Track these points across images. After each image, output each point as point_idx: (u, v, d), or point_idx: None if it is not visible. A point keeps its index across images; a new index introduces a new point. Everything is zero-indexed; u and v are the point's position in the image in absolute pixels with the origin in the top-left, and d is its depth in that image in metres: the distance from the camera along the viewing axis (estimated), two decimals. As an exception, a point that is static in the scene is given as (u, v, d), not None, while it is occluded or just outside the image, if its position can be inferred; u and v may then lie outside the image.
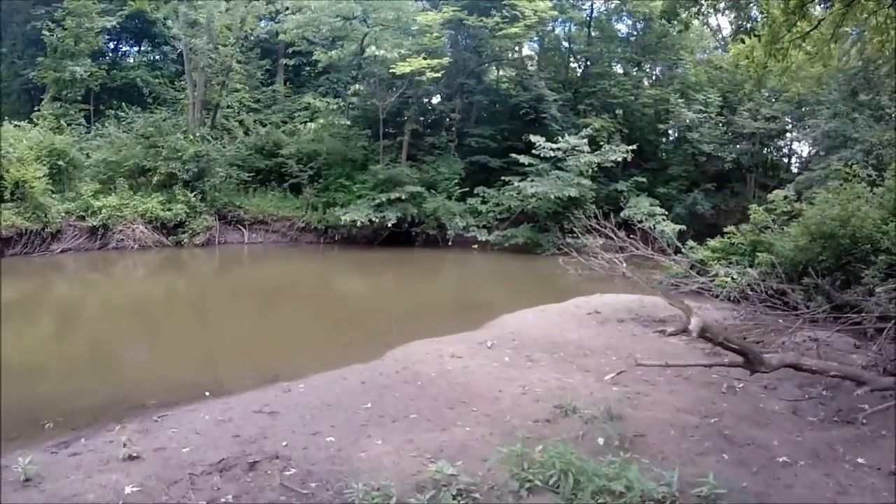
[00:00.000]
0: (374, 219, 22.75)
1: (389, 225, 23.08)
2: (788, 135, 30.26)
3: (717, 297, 14.89)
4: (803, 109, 26.81)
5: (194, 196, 22.59)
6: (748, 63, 13.71)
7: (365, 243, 23.85)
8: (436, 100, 30.92)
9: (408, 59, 23.04)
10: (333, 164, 25.56)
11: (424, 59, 23.25)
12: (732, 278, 14.83)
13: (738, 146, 29.07)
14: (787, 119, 27.50)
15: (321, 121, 27.12)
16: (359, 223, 22.39)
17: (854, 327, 11.14)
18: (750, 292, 14.01)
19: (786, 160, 33.44)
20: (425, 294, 17.04)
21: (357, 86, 27.65)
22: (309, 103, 27.67)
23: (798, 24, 12.43)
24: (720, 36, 35.79)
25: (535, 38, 30.44)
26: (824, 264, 13.77)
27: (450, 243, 23.75)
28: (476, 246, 24.03)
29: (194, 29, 24.73)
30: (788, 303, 13.61)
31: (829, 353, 9.83)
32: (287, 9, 25.78)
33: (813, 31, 12.69)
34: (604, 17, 32.34)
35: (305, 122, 27.99)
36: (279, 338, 11.85)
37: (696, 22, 33.10)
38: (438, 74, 23.50)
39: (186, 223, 22.31)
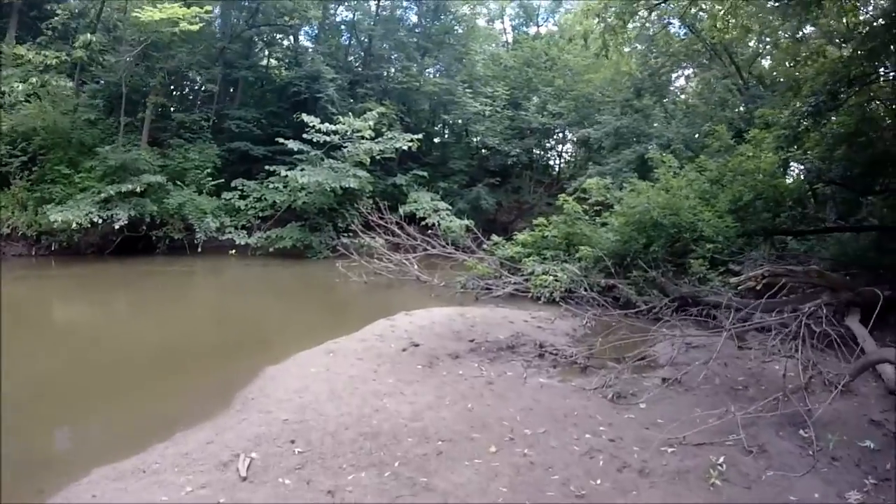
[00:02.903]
0: (97, 219, 16.55)
1: (119, 227, 16.96)
2: (568, 133, 30.22)
3: (537, 299, 12.59)
4: (589, 107, 26.88)
5: None
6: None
7: (93, 254, 17.38)
8: (193, 73, 24.72)
9: (159, 6, 17.22)
10: (54, 147, 17.86)
11: (181, 6, 17.63)
12: (555, 277, 12.56)
13: (522, 140, 28.15)
14: (574, 115, 27.11)
15: (34, 79, 18.49)
16: (75, 225, 15.96)
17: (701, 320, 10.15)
18: (583, 292, 11.99)
19: (556, 160, 33.78)
20: (146, 339, 10.17)
21: (89, 35, 19.24)
22: (21, 57, 18.68)
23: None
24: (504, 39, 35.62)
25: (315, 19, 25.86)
26: (653, 255, 12.22)
27: (199, 249, 18.44)
28: (234, 251, 19.10)
29: None
30: (619, 299, 11.89)
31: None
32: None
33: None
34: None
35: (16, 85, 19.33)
36: None
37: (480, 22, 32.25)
38: (195, 28, 17.91)
39: None
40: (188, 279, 16.01)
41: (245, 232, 19.54)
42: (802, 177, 12.49)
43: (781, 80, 18.54)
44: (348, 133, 19.91)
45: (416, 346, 8.72)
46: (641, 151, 20.79)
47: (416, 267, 15.48)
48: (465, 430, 5.90)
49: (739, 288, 9.28)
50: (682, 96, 27.89)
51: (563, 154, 33.51)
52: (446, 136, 31.37)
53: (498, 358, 8.49)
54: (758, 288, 8.63)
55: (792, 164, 14.20)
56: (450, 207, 23.13)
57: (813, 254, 12.77)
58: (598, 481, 5.10)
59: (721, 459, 5.43)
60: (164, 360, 8.75)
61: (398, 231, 17.42)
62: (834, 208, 13.07)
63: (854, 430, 5.95)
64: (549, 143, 32.24)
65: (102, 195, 16.91)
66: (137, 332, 10.73)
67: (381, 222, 17.82)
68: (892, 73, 11.43)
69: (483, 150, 29.48)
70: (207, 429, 6.00)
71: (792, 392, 6.56)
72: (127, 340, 9.99)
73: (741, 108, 21.25)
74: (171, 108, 22.49)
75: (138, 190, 17.33)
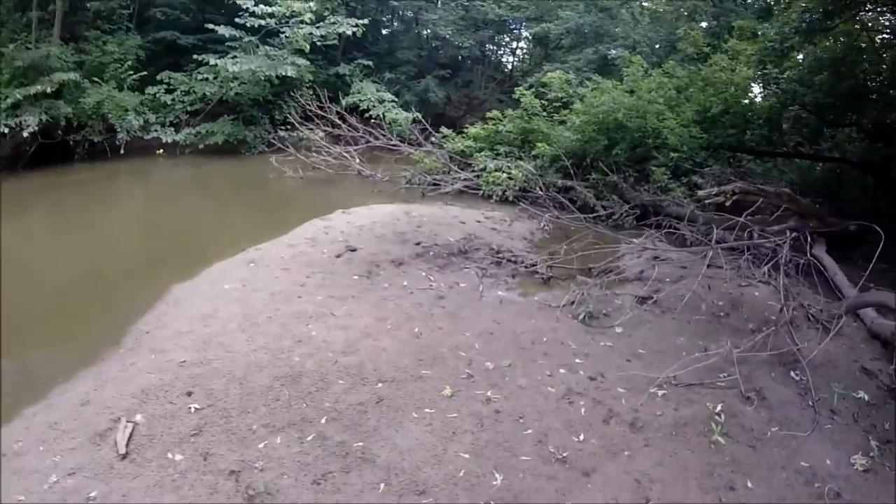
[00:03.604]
0: (3, 129, 13.55)
1: (30, 135, 13.97)
2: (525, 30, 27.53)
3: (488, 197, 11.11)
4: (549, 3, 24.25)
5: None
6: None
7: (5, 169, 14.42)
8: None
9: None
10: None
11: None
12: (508, 174, 11.05)
13: (476, 33, 25.45)
14: (533, 9, 24.41)
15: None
16: None
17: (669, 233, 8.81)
18: (538, 192, 10.56)
19: (510, 58, 31.19)
20: (47, 262, 7.87)
21: None
22: None
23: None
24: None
25: None
26: (615, 159, 10.85)
27: (122, 151, 15.70)
28: (162, 151, 16.45)
29: None
30: (576, 202, 10.59)
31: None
32: None
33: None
34: None
35: None
36: None
37: None
38: None
39: None
40: (107, 186, 13.35)
41: (173, 129, 16.83)
42: (776, 97, 11.13)
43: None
44: (286, 16, 17.07)
45: (353, 251, 7.12)
46: (604, 52, 18.91)
47: (357, 160, 13.60)
48: (412, 366, 4.50)
49: (707, 202, 8.15)
50: (647, 3, 25.58)
51: (518, 51, 30.98)
52: (395, 25, 28.24)
53: (448, 265, 7.02)
54: (727, 205, 7.51)
55: (758, 84, 12.88)
56: (395, 99, 20.75)
57: (771, 176, 11.79)
58: (582, 437, 3.85)
59: (719, 407, 4.25)
60: (64, 286, 6.78)
61: (339, 122, 15.30)
62: (797, 135, 11.93)
63: (847, 378, 4.90)
64: (503, 38, 29.58)
65: (9, 101, 13.85)
66: (39, 254, 8.38)
67: (321, 113, 15.62)
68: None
69: (433, 42, 26.68)
70: (86, 381, 4.37)
71: (778, 325, 5.50)
72: (24, 265, 7.55)
73: (713, 21, 19.32)
74: None
75: (49, 91, 14.29)
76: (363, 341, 4.79)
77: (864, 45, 10.31)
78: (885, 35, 10.43)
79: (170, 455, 3.55)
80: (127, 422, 3.80)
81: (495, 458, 3.58)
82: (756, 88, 12.91)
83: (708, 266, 7.33)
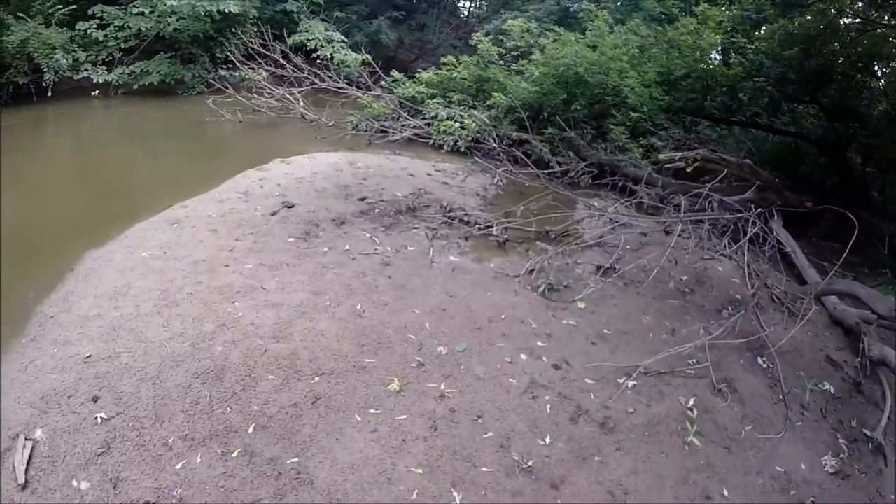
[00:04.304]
0: None
1: None
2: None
3: (439, 147, 10.27)
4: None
5: None
6: None
7: None
8: None
9: None
10: None
11: None
12: (461, 124, 10.23)
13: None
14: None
15: None
16: None
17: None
18: (492, 143, 9.79)
19: (466, 3, 29.46)
20: None
21: None
22: None
23: None
24: None
25: None
26: (573, 114, 10.17)
27: (49, 94, 13.73)
28: (97, 93, 14.55)
29: None
30: (530, 156, 9.95)
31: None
32: None
33: None
34: None
35: None
36: None
37: None
38: None
39: None
40: (27, 134, 11.34)
41: (105, 68, 14.87)
42: (741, 67, 10.61)
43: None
44: (227, -56, 15.17)
45: (290, 207, 6.22)
46: (566, 4, 17.84)
47: (301, 103, 12.38)
48: (354, 353, 3.77)
49: (668, 166, 7.67)
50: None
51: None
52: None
53: (396, 224, 6.22)
54: (688, 171, 7.07)
55: (717, 52, 12.33)
56: (345, 40, 19.21)
57: (727, 144, 11.38)
58: (548, 439, 3.27)
59: (692, 402, 3.77)
60: None
61: (283, 63, 13.88)
62: (755, 105, 11.53)
63: (812, 368, 4.57)
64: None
65: None
66: None
67: (264, 52, 14.12)
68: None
69: (388, -20, 24.84)
70: None
71: (741, 304, 5.13)
72: None
73: None
74: None
75: None
76: (297, 322, 4.01)
77: (838, 26, 9.88)
78: (854, 19, 9.99)
79: (74, 482, 2.83)
80: (26, 440, 3.03)
81: (452, 472, 2.97)
82: (714, 55, 12.42)
83: (666, 233, 6.95)
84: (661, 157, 7.57)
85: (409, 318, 4.27)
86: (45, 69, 13.89)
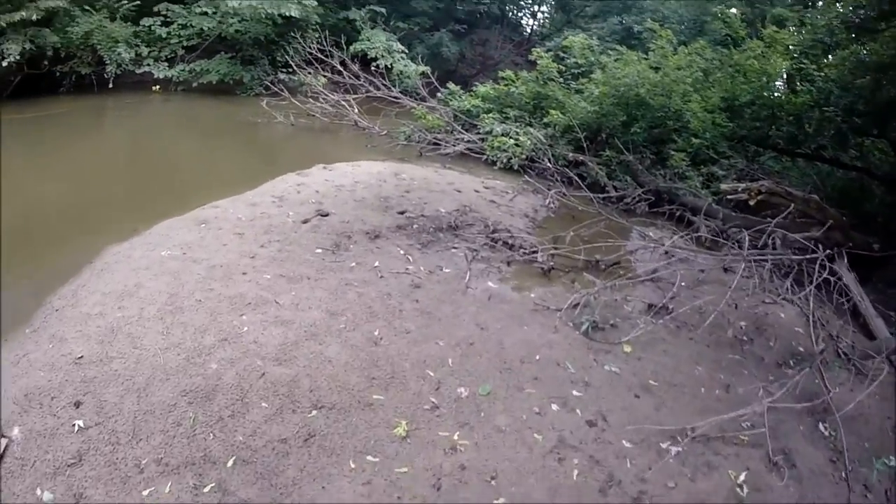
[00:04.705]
0: None
1: (10, 64, 12.42)
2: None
3: (492, 163, 9.86)
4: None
5: None
6: None
7: None
8: None
9: None
10: None
11: None
12: (516, 140, 9.80)
13: (499, -16, 23.55)
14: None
15: None
16: None
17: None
18: (546, 163, 9.31)
19: (529, 21, 29.13)
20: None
21: None
22: None
23: None
24: None
25: None
26: (632, 137, 9.61)
27: (111, 85, 14.16)
28: (157, 87, 14.93)
29: None
30: (585, 178, 9.41)
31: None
32: None
33: None
34: None
35: None
36: None
37: None
38: None
39: None
40: (84, 122, 11.66)
41: (166, 64, 15.27)
42: (810, 95, 9.82)
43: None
44: (294, -51, 15.35)
45: (324, 216, 5.92)
46: (630, 24, 17.23)
47: (355, 110, 12.24)
48: (362, 387, 3.37)
49: (730, 198, 7.02)
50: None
51: (539, 14, 28.91)
52: (411, -29, 26.24)
53: (434, 242, 5.81)
54: (751, 203, 6.42)
55: (782, 79, 11.54)
56: (406, 51, 19.18)
57: (790, 177, 10.54)
58: (570, 514, 2.79)
59: (742, 477, 3.19)
60: (9, 235, 5.34)
61: (340, 69, 13.82)
62: (821, 137, 10.66)
63: (878, 437, 3.92)
64: (524, 1, 27.54)
65: None
66: None
67: (322, 58, 14.12)
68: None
69: (450, -10, 24.78)
70: None
71: (804, 358, 4.52)
72: None
73: (746, 8, 17.56)
74: None
75: (35, 18, 12.71)
76: (304, 345, 3.65)
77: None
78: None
79: (38, 491, 2.61)
80: (1, 437, 2.85)
81: (452, 548, 2.52)
82: (779, 82, 11.63)
83: (725, 270, 6.30)
84: (724, 187, 6.94)
85: (430, 350, 3.84)
86: (108, 61, 14.27)
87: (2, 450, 2.81)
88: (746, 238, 6.19)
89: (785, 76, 11.15)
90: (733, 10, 15.51)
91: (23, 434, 2.89)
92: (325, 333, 3.80)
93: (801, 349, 4.82)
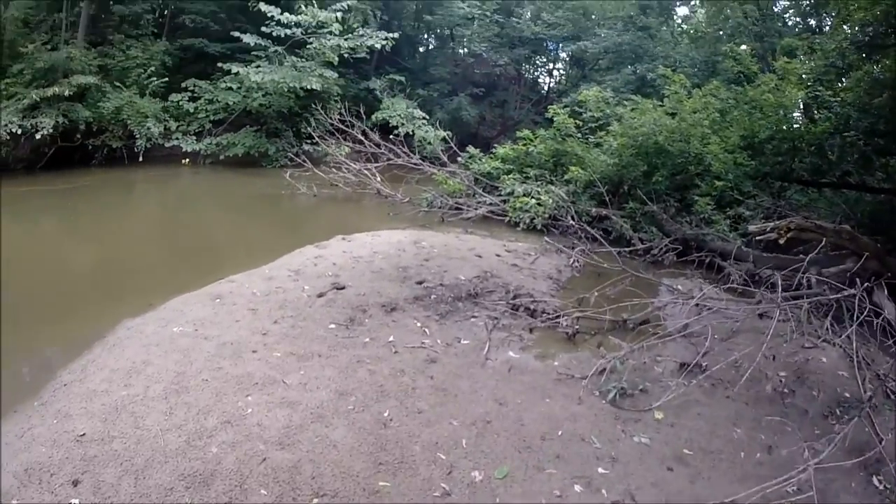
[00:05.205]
0: (16, 129, 12.82)
1: (43, 136, 13.18)
2: (562, 52, 26.18)
3: (515, 224, 9.80)
4: (587, 22, 22.99)
5: None
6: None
7: (23, 169, 13.67)
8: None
9: None
10: None
11: None
12: (538, 200, 9.75)
13: (512, 50, 24.18)
14: (570, 27, 23.07)
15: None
16: None
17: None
18: (570, 221, 9.19)
19: (546, 79, 29.81)
20: (24, 274, 6.62)
21: None
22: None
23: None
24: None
25: None
26: (654, 186, 9.48)
27: (140, 159, 14.86)
28: (186, 161, 15.62)
29: None
30: (610, 232, 9.26)
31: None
32: None
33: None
34: None
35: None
36: None
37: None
38: None
39: None
40: (112, 194, 12.23)
41: (194, 138, 16.01)
42: (828, 122, 9.63)
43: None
44: (312, 26, 16.16)
45: (340, 289, 5.85)
46: (643, 72, 17.44)
47: (378, 179, 12.43)
48: (367, 473, 3.16)
49: (759, 238, 6.77)
50: (687, 26, 23.99)
51: (555, 72, 29.58)
52: (429, 40, 27.17)
53: (452, 312, 5.65)
54: (781, 242, 6.17)
55: (798, 109, 11.41)
56: (426, 117, 19.65)
57: (818, 208, 10.21)
58: None
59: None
60: (20, 302, 5.62)
61: (362, 139, 14.18)
62: (845, 163, 10.38)
63: None
64: (539, 59, 28.29)
65: (26, 101, 13.21)
66: (13, 262, 7.00)
67: (344, 128, 14.55)
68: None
69: (469, 59, 25.56)
70: None
71: (851, 405, 4.24)
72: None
73: (756, 43, 17.68)
74: (110, 2, 18.09)
75: (67, 94, 13.60)
76: (310, 428, 3.49)
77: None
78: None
79: None
80: None
81: None
82: (796, 113, 11.47)
83: (760, 316, 5.97)
84: (751, 228, 6.72)
85: (443, 431, 3.63)
86: (138, 136, 15.02)
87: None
88: (779, 280, 5.91)
89: (801, 106, 11.01)
90: (743, 47, 15.59)
91: (17, 510, 2.82)
92: (332, 415, 3.63)
93: (848, 395, 4.54)
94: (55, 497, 2.94)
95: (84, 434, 3.39)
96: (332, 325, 5.01)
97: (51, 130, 13.07)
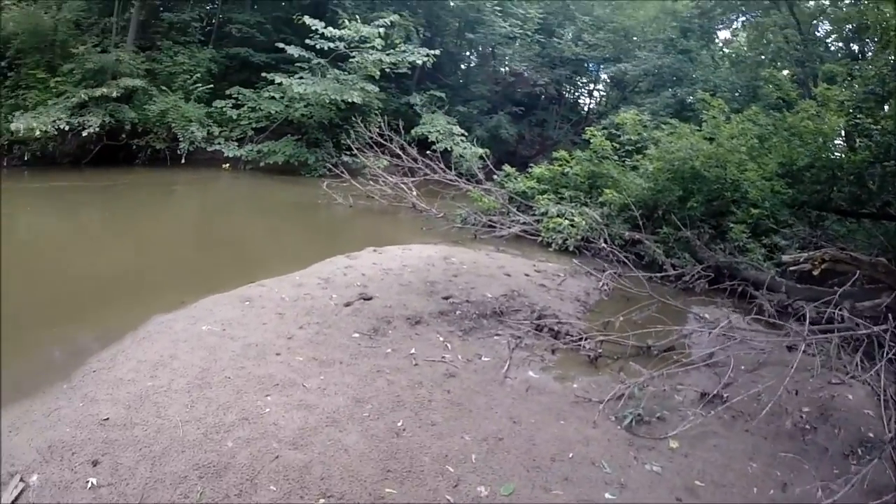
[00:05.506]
0: (64, 126, 13.43)
1: (89, 135, 13.84)
2: (602, 73, 26.10)
3: (547, 245, 9.81)
4: (628, 44, 22.97)
5: None
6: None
7: (69, 164, 14.40)
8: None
9: None
10: (31, 50, 14.33)
11: None
12: (571, 221, 9.75)
13: (553, 70, 24.27)
14: (611, 48, 23.07)
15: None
16: (38, 133, 12.67)
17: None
18: (602, 244, 9.17)
19: (586, 99, 29.77)
20: (62, 268, 7.13)
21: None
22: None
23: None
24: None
25: None
26: (689, 212, 9.39)
27: (182, 161, 15.46)
28: (227, 165, 16.16)
29: None
30: (643, 257, 9.21)
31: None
32: None
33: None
34: None
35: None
36: None
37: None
38: None
39: None
40: (153, 194, 12.72)
41: (236, 144, 16.55)
42: (868, 151, 9.39)
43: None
44: (355, 40, 16.59)
45: (367, 299, 5.97)
46: (683, 96, 17.31)
47: (414, 193, 12.62)
48: (375, 479, 3.23)
49: (792, 269, 6.65)
50: (728, 50, 23.70)
51: (595, 93, 29.52)
52: (470, 57, 27.39)
53: (476, 329, 5.72)
54: (815, 273, 6.05)
55: (840, 137, 11.15)
56: (465, 133, 19.83)
57: (856, 240, 10.00)
58: None
59: None
60: (59, 293, 6.08)
61: (399, 153, 14.43)
62: (885, 193, 10.08)
63: None
64: (580, 80, 28.29)
65: (74, 100, 13.90)
66: (56, 254, 7.75)
67: (383, 142, 14.84)
68: None
69: (509, 77, 25.71)
70: (10, 417, 3.63)
71: (874, 446, 4.13)
72: (32, 264, 7.14)
73: (797, 68, 17.37)
74: (160, 8, 18.89)
75: (114, 95, 14.25)
76: (324, 431, 3.59)
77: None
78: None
79: None
80: (20, 480, 3.04)
81: None
82: (837, 141, 11.21)
83: (788, 349, 5.84)
84: (785, 258, 6.60)
85: (454, 444, 3.68)
86: (181, 139, 15.60)
87: (18, 493, 2.96)
88: (808, 312, 5.79)
89: (843, 134, 10.76)
90: (784, 72, 15.31)
91: (40, 482, 3.04)
92: (347, 420, 3.73)
93: (871, 434, 4.43)
94: (74, 474, 3.12)
95: (108, 418, 3.59)
96: (356, 334, 5.13)
97: (97, 129, 13.70)
